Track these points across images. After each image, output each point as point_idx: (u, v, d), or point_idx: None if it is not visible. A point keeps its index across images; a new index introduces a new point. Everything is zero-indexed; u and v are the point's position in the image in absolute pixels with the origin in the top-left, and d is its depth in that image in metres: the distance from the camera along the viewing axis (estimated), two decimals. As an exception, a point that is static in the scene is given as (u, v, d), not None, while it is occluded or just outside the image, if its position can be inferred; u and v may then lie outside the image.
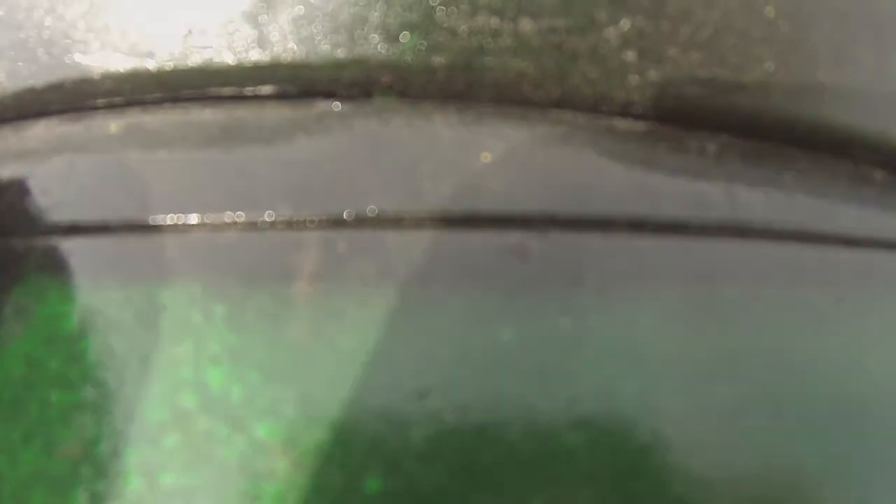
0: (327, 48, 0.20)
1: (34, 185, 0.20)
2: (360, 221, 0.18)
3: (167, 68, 0.21)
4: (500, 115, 0.20)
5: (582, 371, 0.18)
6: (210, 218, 0.19)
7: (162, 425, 0.18)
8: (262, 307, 0.18)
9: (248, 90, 0.21)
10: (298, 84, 0.20)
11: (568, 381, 0.18)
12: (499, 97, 0.20)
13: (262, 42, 0.20)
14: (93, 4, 0.21)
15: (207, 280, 0.18)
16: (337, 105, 0.20)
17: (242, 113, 0.20)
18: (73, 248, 0.19)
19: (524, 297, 0.18)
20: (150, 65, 0.21)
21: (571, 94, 0.20)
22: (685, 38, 0.20)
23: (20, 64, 0.21)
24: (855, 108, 0.22)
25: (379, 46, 0.20)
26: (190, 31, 0.20)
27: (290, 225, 0.18)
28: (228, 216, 0.19)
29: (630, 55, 0.20)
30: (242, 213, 0.19)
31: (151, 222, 0.19)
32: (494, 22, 0.20)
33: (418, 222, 0.18)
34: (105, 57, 0.21)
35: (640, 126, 0.21)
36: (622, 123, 0.21)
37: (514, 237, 0.18)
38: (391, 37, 0.20)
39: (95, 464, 0.18)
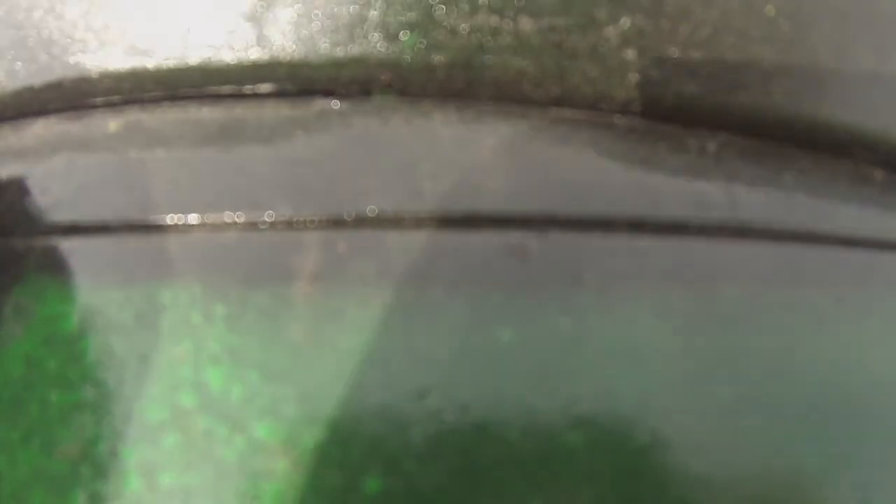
0: (326, 46, 0.20)
1: (33, 184, 0.20)
2: (360, 221, 0.18)
3: (166, 67, 0.20)
4: (500, 113, 0.20)
5: (582, 371, 0.18)
6: (210, 218, 0.19)
7: (161, 425, 0.18)
8: (261, 307, 0.18)
9: (248, 88, 0.21)
10: (298, 82, 0.20)
11: (568, 381, 0.18)
12: (498, 96, 0.20)
13: (261, 40, 0.20)
14: (92, 4, 0.21)
15: (207, 280, 0.18)
16: (336, 103, 0.20)
17: (241, 111, 0.20)
18: (72, 248, 0.19)
19: (524, 298, 0.18)
20: (149, 63, 0.21)
21: (571, 92, 0.20)
22: (685, 36, 0.20)
23: (19, 63, 0.21)
24: (855, 108, 0.22)
25: (378, 45, 0.20)
26: (189, 30, 0.20)
27: (289, 225, 0.18)
28: (228, 216, 0.18)
29: (630, 54, 0.20)
30: (242, 213, 0.18)
31: (151, 222, 0.19)
32: (494, 20, 0.20)
33: (418, 222, 0.18)
34: (104, 56, 0.21)
35: (639, 125, 0.21)
36: (622, 122, 0.21)
37: (513, 237, 0.18)
38: (391, 35, 0.20)
39: (95, 464, 0.18)
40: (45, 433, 0.18)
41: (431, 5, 0.20)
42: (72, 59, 0.21)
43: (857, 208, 0.21)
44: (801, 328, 0.19)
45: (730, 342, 0.19)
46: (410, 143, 0.19)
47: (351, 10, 0.20)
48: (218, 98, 0.21)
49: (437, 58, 0.20)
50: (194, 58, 0.20)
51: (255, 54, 0.20)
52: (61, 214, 0.19)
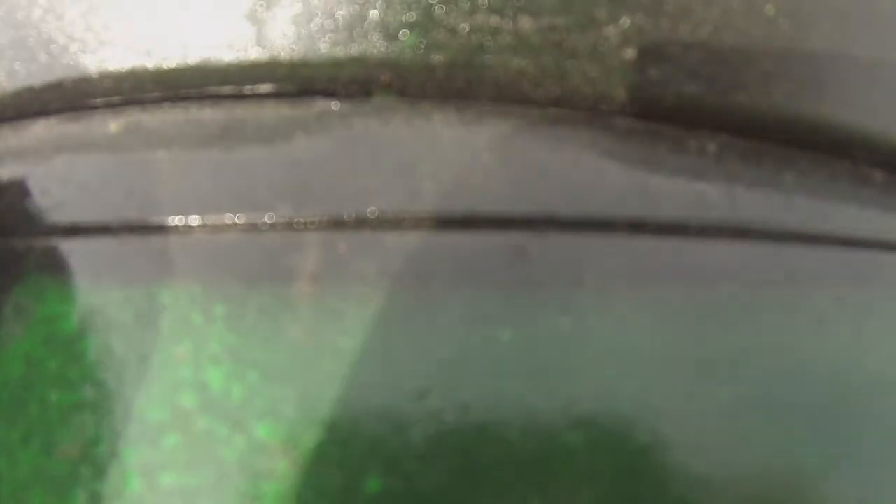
0: (326, 46, 0.20)
1: (34, 184, 0.20)
2: (360, 222, 0.18)
3: (166, 67, 0.20)
4: (500, 114, 0.20)
5: (581, 371, 0.18)
6: (210, 218, 0.19)
7: (162, 425, 0.18)
8: (262, 307, 0.18)
9: (247, 89, 0.21)
10: (297, 83, 0.20)
11: (567, 381, 0.18)
12: (498, 96, 0.20)
13: (260, 40, 0.20)
14: (92, 4, 0.21)
15: (207, 280, 0.18)
16: (336, 104, 0.20)
17: (241, 112, 0.20)
18: (72, 249, 0.19)
19: (523, 298, 0.18)
20: (149, 64, 0.21)
21: (571, 92, 0.20)
22: (685, 36, 0.20)
23: (19, 63, 0.21)
24: (855, 109, 0.22)
25: (378, 45, 0.20)
26: (189, 30, 0.20)
27: (290, 225, 0.18)
28: (228, 217, 0.18)
29: (630, 53, 0.20)
30: (242, 214, 0.18)
31: (151, 222, 0.19)
32: (494, 20, 0.20)
33: (418, 222, 0.18)
34: (104, 56, 0.21)
35: (639, 125, 0.21)
36: (622, 122, 0.21)
37: (513, 237, 0.18)
38: (390, 35, 0.20)
39: (95, 464, 0.18)
40: (45, 433, 0.18)
41: (431, 5, 0.20)
42: (72, 60, 0.21)
43: (857, 209, 0.21)
44: (801, 328, 0.19)
45: (730, 342, 0.19)
46: (410, 144, 0.19)
47: (351, 9, 0.20)
48: (218, 98, 0.21)
49: (437, 58, 0.20)
50: (194, 58, 0.20)
51: (254, 54, 0.20)
52: (61, 215, 0.19)
